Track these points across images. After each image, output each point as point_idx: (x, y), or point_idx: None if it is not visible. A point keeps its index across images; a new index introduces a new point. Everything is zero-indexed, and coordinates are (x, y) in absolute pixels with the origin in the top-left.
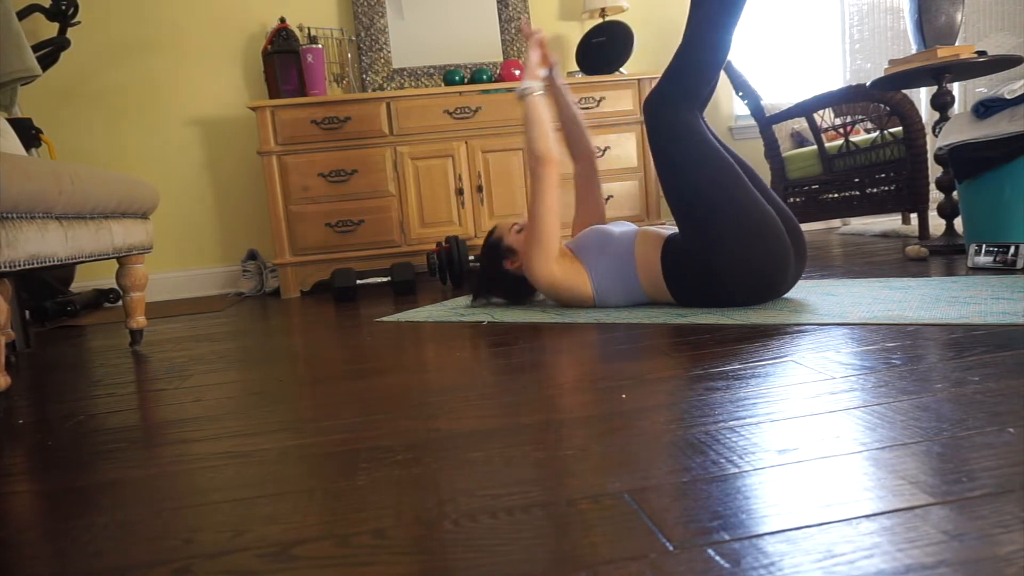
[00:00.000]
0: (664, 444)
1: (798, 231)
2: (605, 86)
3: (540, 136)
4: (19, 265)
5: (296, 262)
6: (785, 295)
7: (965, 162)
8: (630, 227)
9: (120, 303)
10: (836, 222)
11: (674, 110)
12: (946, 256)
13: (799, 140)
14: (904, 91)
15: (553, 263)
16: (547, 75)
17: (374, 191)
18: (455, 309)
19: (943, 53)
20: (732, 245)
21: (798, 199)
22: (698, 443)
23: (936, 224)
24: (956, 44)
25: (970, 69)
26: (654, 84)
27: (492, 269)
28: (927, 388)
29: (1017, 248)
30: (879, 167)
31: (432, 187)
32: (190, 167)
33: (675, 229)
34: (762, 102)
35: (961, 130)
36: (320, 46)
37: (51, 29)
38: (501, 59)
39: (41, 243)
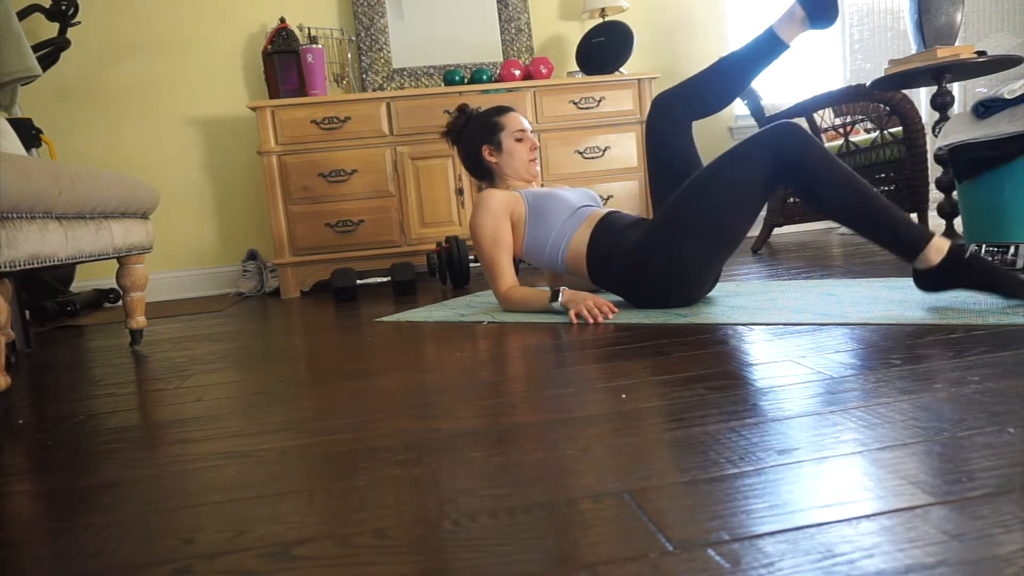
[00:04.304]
0: (664, 444)
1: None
2: (605, 86)
3: (516, 307)
4: (19, 265)
5: (296, 262)
6: (783, 295)
7: (965, 162)
8: (593, 208)
9: (120, 303)
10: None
11: (687, 115)
12: None
13: None
14: (904, 91)
15: (509, 279)
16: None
17: (374, 191)
18: (455, 309)
19: (943, 53)
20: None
21: (798, 199)
22: (698, 443)
23: (936, 224)
24: (956, 44)
25: (970, 69)
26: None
27: (472, 151)
28: (927, 388)
29: (1017, 248)
30: (879, 167)
31: (432, 187)
32: (190, 167)
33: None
34: (762, 102)
35: (961, 130)
36: (320, 46)
37: (51, 29)
38: (501, 59)
39: (41, 243)
